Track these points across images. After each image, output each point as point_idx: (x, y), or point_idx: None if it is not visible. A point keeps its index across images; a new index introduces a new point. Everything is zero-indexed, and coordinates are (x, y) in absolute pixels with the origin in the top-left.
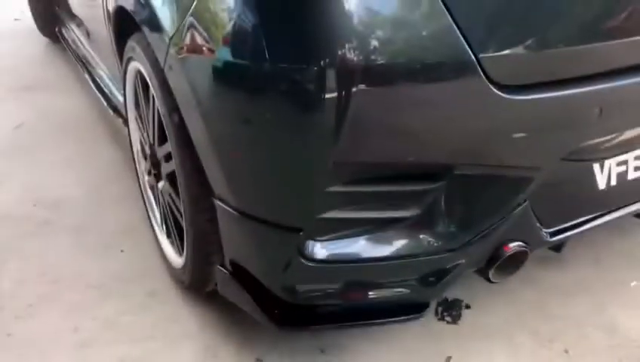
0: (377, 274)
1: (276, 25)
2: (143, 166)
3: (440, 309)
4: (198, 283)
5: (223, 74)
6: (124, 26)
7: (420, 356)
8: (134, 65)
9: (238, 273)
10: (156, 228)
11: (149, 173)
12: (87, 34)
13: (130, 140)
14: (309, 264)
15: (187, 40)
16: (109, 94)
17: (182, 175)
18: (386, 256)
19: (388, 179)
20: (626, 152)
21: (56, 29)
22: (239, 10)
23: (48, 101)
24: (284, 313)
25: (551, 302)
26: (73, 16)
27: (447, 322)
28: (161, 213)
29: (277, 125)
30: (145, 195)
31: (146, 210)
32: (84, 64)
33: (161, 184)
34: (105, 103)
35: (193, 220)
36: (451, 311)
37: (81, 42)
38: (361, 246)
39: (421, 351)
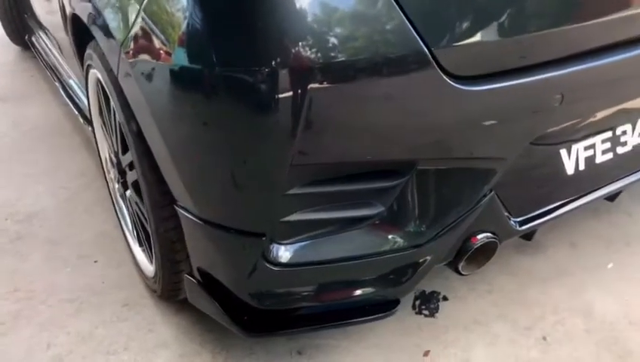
0: (344, 274)
1: (224, 27)
2: (112, 174)
3: (417, 303)
4: (169, 292)
5: (174, 79)
6: (82, 33)
7: (399, 351)
8: (93, 72)
9: (206, 281)
10: (128, 236)
11: (118, 181)
12: (56, 42)
13: (97, 148)
14: (274, 268)
15: (136, 46)
16: (79, 102)
17: (144, 183)
18: (352, 255)
19: (350, 178)
20: (593, 136)
21: (27, 37)
22: (187, 15)
23: (20, 111)
24: (253, 319)
25: (528, 289)
26: (42, 24)
27: (425, 315)
28: (132, 221)
29: (231, 129)
30: (116, 203)
31: (118, 219)
32: (54, 72)
33: (128, 192)
34: (75, 111)
35: (158, 229)
36: (429, 303)
37: (50, 50)
38: (326, 248)
39: (399, 347)
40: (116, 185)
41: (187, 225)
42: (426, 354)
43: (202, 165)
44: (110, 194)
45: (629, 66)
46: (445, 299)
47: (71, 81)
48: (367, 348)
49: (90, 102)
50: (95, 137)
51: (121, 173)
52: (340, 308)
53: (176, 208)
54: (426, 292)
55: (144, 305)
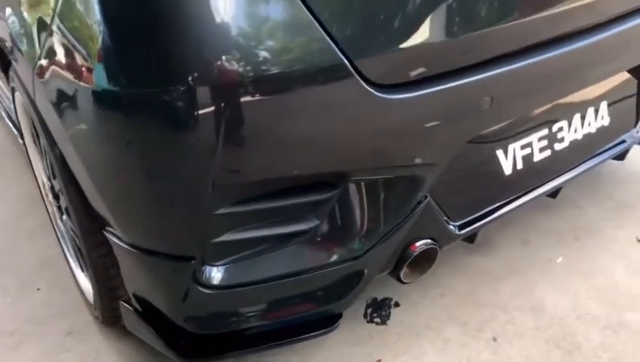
0: (282, 292)
1: (137, 46)
2: (50, 197)
3: (369, 311)
4: (110, 319)
5: (88, 101)
6: (4, 56)
7: None
8: (18, 95)
9: (143, 307)
10: (71, 261)
11: (54, 206)
12: None
13: (34, 172)
14: (207, 291)
15: (47, 66)
16: (19, 124)
17: (72, 209)
18: (288, 272)
19: (281, 194)
20: (529, 134)
21: None
22: (98, 34)
23: None
24: (191, 345)
25: (480, 289)
26: None
27: (377, 323)
28: (72, 246)
29: (149, 150)
30: (57, 228)
31: (60, 243)
32: None
33: (64, 217)
34: (15, 131)
35: (91, 255)
36: (380, 311)
37: None
38: (261, 266)
39: (350, 357)
40: (55, 209)
41: (117, 250)
42: None
43: (124, 189)
44: (50, 218)
45: (558, 64)
46: (397, 305)
47: (8, 101)
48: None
49: (21, 125)
50: (30, 160)
51: (56, 197)
52: (281, 327)
53: (106, 234)
54: (378, 300)
55: (88, 332)
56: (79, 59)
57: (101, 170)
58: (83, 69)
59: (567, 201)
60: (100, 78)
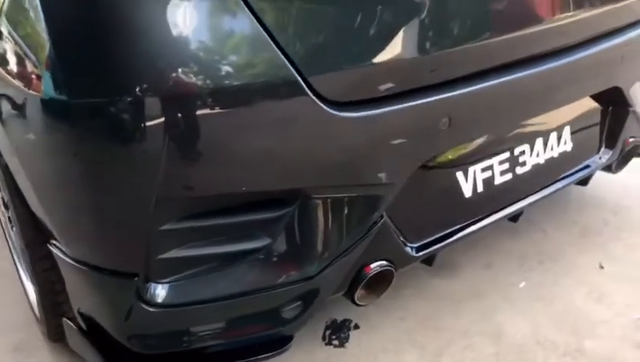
0: (231, 312)
1: (83, 54)
2: (2, 208)
3: (327, 333)
4: (56, 335)
5: (30, 109)
6: None
7: None
8: None
9: (87, 325)
10: (22, 273)
11: (6, 216)
12: None
13: None
14: (151, 310)
15: None
16: None
17: (16, 221)
18: (238, 292)
19: (231, 210)
20: (490, 157)
21: None
22: (41, 41)
23: None
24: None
25: (441, 312)
26: None
27: (335, 346)
28: (23, 259)
29: (92, 162)
30: (9, 238)
31: (12, 255)
32: None
33: (15, 228)
34: None
35: (35, 268)
36: (339, 333)
37: None
38: (209, 285)
39: None
40: (6, 220)
41: (61, 264)
42: None
43: (67, 201)
44: (3, 229)
45: (519, 87)
46: (357, 327)
47: None
48: None
49: None
50: None
51: (6, 207)
52: (231, 348)
53: (50, 247)
54: (337, 321)
55: (37, 347)
56: (26, 66)
57: (45, 182)
58: (31, 76)
59: (532, 225)
60: (47, 87)
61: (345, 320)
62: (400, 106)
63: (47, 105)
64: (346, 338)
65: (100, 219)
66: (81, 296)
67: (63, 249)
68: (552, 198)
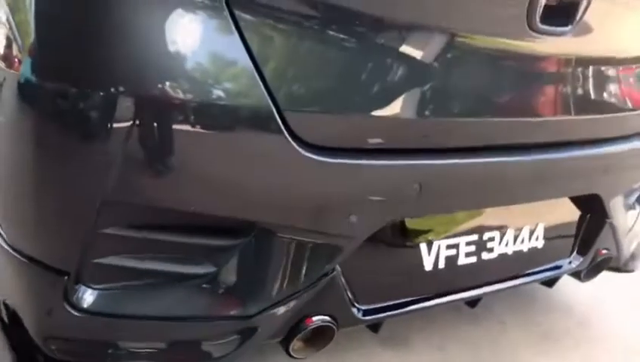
0: (159, 334)
1: (61, 43)
2: None
3: None
4: None
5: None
6: None
7: None
8: None
9: (9, 318)
10: None
11: None
12: None
13: None
14: (74, 313)
15: None
16: None
17: None
18: (170, 315)
19: (178, 229)
20: (458, 236)
21: None
22: (26, 32)
23: None
24: None
25: None
26: None
27: None
28: None
29: (50, 151)
30: None
31: None
32: None
33: None
34: None
35: None
36: None
37: None
38: (141, 301)
39: None
40: None
41: None
42: None
43: (15, 185)
44: None
45: (495, 172)
46: None
47: None
48: None
49: None
50: None
51: None
52: None
53: None
54: None
55: None
56: (11, 48)
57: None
58: (13, 57)
59: (492, 315)
60: (26, 68)
61: None
62: (373, 162)
63: (21, 86)
64: None
65: (42, 210)
66: (9, 286)
67: (3, 234)
68: (518, 293)
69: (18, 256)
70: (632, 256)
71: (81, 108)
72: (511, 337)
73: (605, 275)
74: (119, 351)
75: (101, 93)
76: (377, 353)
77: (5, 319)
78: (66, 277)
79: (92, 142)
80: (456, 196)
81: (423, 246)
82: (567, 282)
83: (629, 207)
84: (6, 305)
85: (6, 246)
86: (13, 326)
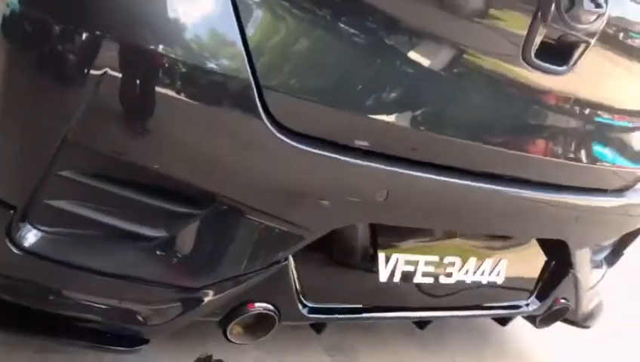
0: (100, 290)
1: None
2: None
3: None
4: None
5: None
6: None
7: None
8: None
9: None
10: None
11: None
12: None
13: None
14: (14, 250)
15: None
16: None
17: None
18: (114, 272)
19: (136, 187)
20: (419, 253)
21: None
22: None
23: None
24: None
25: None
26: None
27: None
28: None
29: (22, 77)
30: None
31: None
32: None
33: None
34: None
35: None
36: None
37: None
38: (85, 252)
39: None
40: None
41: None
42: None
43: None
44: None
45: (465, 196)
46: None
47: None
48: None
49: None
50: None
51: None
52: (78, 324)
53: None
54: (212, 358)
55: None
56: None
57: None
58: None
59: (444, 348)
60: None
61: (220, 361)
62: (345, 159)
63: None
64: None
65: (2, 138)
66: None
67: None
68: (473, 331)
69: None
70: (591, 314)
71: (61, 44)
72: None
73: (564, 331)
74: (60, 299)
75: (85, 34)
76: (321, 359)
77: None
78: (12, 211)
79: (65, 80)
80: (423, 212)
81: (382, 256)
82: (522, 329)
83: (596, 265)
84: None
85: None
86: None
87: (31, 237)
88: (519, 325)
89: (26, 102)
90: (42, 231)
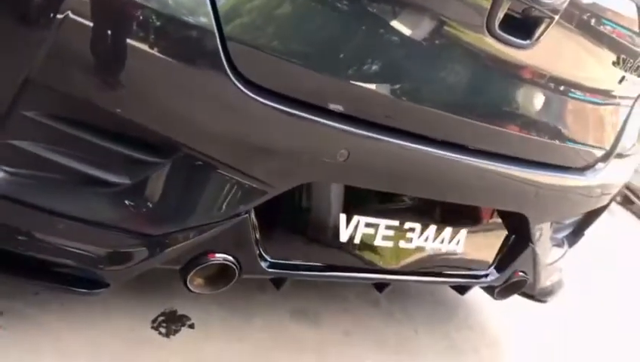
0: (58, 231)
1: None
2: None
3: (160, 319)
4: None
5: None
6: None
7: (107, 354)
8: None
9: None
10: None
11: None
12: None
13: None
14: None
15: None
16: None
17: None
18: (76, 216)
19: (99, 131)
20: (379, 216)
21: None
22: None
23: None
24: None
25: (280, 353)
26: None
27: (160, 333)
28: None
29: None
30: None
31: None
32: None
33: None
34: None
35: None
36: (171, 323)
37: None
38: (51, 195)
39: (110, 351)
40: None
41: None
42: None
43: None
44: None
45: (425, 162)
46: (192, 327)
47: None
48: (74, 338)
49: None
50: None
51: None
52: (45, 266)
53: None
54: (177, 313)
55: None
56: None
57: None
58: None
59: (408, 319)
60: None
61: (184, 316)
62: (308, 116)
63: None
64: (175, 332)
65: None
66: None
67: None
68: (438, 304)
69: None
70: (549, 290)
71: None
72: (420, 343)
73: (536, 310)
74: (27, 241)
75: None
76: (284, 324)
77: None
78: None
79: (27, 21)
80: (383, 176)
81: (343, 217)
82: (489, 303)
83: (557, 243)
84: None
85: None
86: None
87: None
88: (485, 306)
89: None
90: (7, 172)
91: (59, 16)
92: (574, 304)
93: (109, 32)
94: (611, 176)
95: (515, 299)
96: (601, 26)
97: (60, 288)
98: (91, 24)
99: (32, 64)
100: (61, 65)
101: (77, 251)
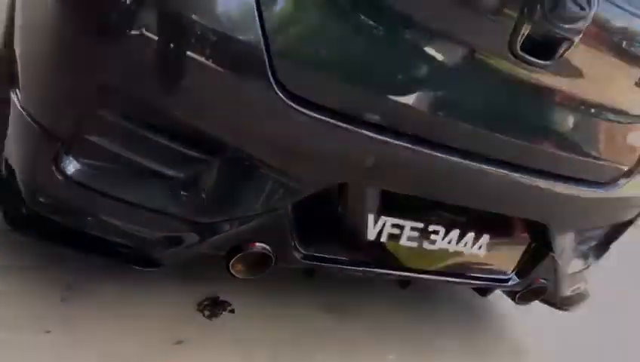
0: (126, 216)
1: None
2: None
3: (205, 302)
4: None
5: None
6: None
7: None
8: None
9: (7, 173)
10: None
11: None
12: None
13: None
14: (59, 177)
15: None
16: None
17: None
18: (138, 202)
19: (162, 132)
20: (405, 218)
21: None
22: None
23: None
24: (26, 218)
25: (309, 340)
26: None
27: (204, 315)
28: None
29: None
30: None
31: None
32: None
33: None
34: None
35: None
36: (215, 308)
37: None
38: (118, 184)
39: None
40: None
41: (12, 109)
42: (179, 342)
43: (36, 48)
44: None
45: (451, 170)
46: (232, 311)
47: None
48: (126, 314)
49: None
50: None
51: None
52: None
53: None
54: (219, 299)
55: None
56: None
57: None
58: None
59: (430, 316)
60: None
61: (226, 302)
62: (341, 125)
63: None
64: (217, 315)
65: (54, 81)
66: (14, 145)
67: (19, 95)
68: (462, 307)
69: (27, 117)
70: (571, 299)
71: (104, 8)
72: (442, 342)
73: (564, 325)
74: (94, 222)
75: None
76: (315, 315)
77: (4, 173)
78: (59, 144)
79: (109, 33)
80: (408, 180)
81: (370, 217)
82: (512, 312)
83: (580, 254)
84: (7, 162)
85: (19, 107)
86: (8, 182)
87: (71, 166)
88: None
89: (75, 51)
90: (82, 163)
91: (134, 32)
92: (604, 313)
93: (173, 46)
94: (633, 191)
95: (542, 306)
96: (625, 46)
97: (121, 264)
98: (158, 39)
99: (109, 72)
100: (132, 73)
101: (137, 233)
